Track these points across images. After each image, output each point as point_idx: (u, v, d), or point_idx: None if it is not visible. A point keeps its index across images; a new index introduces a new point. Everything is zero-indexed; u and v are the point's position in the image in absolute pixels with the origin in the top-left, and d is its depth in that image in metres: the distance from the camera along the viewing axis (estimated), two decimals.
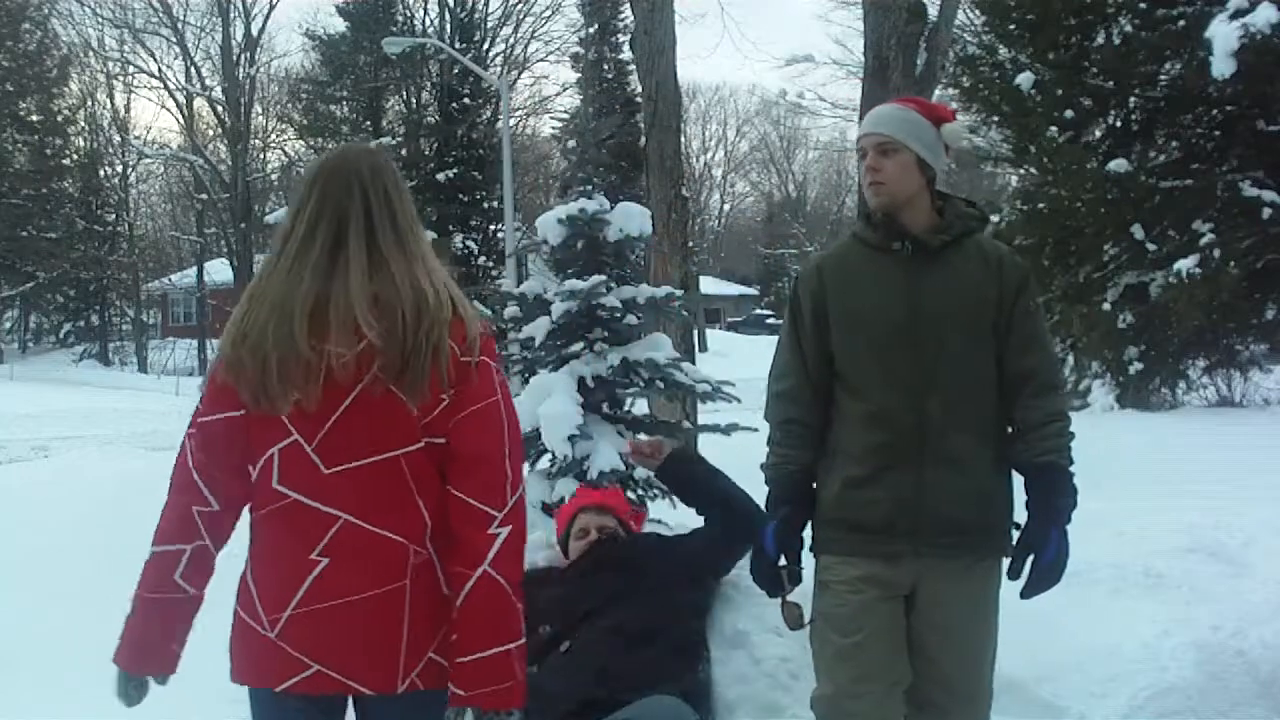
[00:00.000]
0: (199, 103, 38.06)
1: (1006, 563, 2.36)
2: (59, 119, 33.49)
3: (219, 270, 38.53)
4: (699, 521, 3.56)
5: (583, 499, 3.80)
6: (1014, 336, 2.35)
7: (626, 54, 29.42)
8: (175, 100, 38.08)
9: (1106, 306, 13.60)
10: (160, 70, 37.25)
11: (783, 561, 2.44)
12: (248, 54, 36.20)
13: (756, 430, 5.87)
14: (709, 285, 51.23)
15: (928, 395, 2.32)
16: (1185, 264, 12.10)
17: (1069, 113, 13.96)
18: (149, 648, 1.98)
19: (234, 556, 2.11)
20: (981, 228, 2.44)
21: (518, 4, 34.86)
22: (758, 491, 2.77)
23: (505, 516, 1.78)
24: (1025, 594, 2.29)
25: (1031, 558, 2.27)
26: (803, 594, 2.49)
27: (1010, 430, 2.37)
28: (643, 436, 3.75)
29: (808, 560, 2.48)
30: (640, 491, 5.32)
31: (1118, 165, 13.33)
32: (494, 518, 1.78)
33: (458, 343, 1.80)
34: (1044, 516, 2.28)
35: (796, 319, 2.49)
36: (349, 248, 1.85)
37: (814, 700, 2.45)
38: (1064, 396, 2.43)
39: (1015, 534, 2.35)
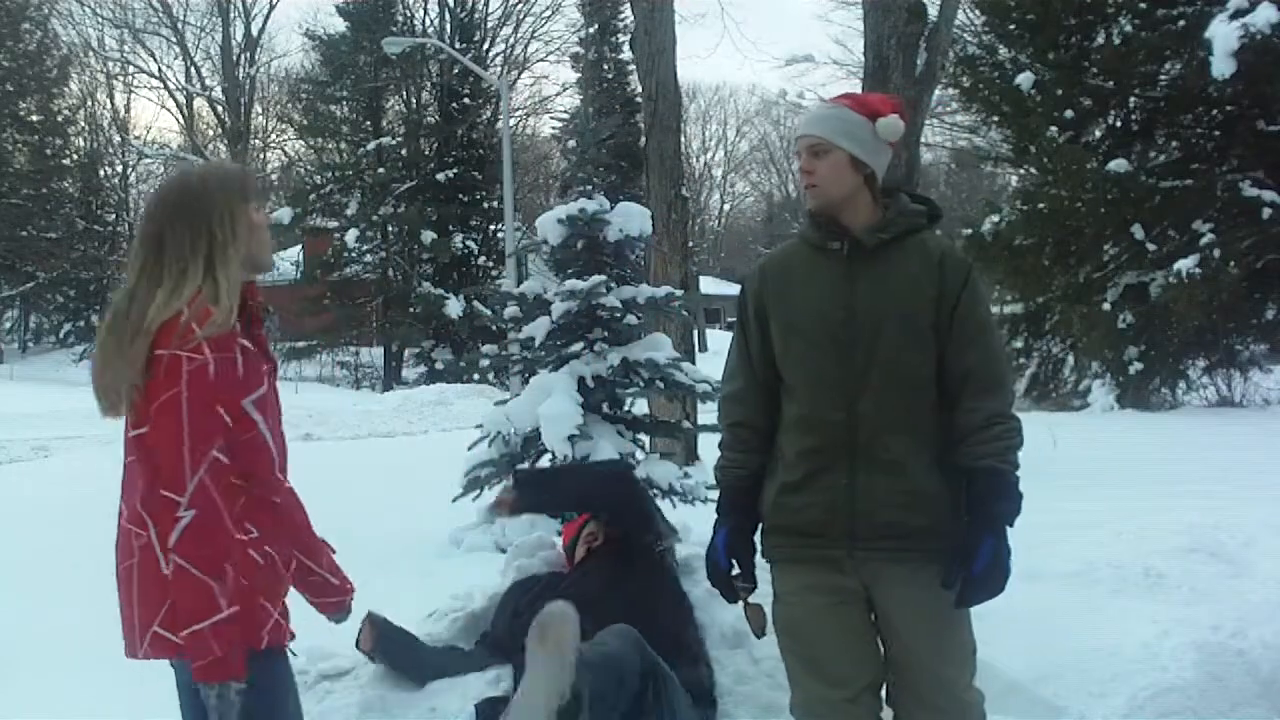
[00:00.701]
0: (199, 103, 38.15)
1: None
2: (59, 119, 33.48)
3: None
4: (700, 522, 3.57)
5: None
6: (954, 336, 2.27)
7: (626, 54, 29.43)
8: (175, 100, 38.19)
9: (1106, 306, 13.60)
10: (160, 70, 37.35)
11: (735, 570, 2.40)
12: (248, 54, 36.25)
13: None
14: (709, 285, 51.18)
15: (859, 397, 2.26)
16: (1185, 264, 12.10)
17: (1069, 113, 13.95)
18: None
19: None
20: (930, 225, 2.38)
21: (518, 4, 34.93)
22: None
23: (188, 501, 1.90)
24: (958, 604, 2.23)
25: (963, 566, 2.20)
26: (764, 596, 2.47)
27: (954, 433, 2.29)
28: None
29: (762, 565, 2.45)
30: None
31: (1118, 165, 13.32)
32: (177, 503, 1.90)
33: (163, 341, 1.93)
34: (979, 523, 2.21)
35: (743, 320, 2.47)
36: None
37: (791, 708, 2.42)
38: (1008, 396, 2.32)
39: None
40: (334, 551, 2.34)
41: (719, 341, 40.88)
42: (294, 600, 2.15)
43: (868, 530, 2.26)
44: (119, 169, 38.25)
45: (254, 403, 2.04)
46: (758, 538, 2.44)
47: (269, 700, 2.02)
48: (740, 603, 2.43)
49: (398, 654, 3.36)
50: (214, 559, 1.90)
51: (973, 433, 2.24)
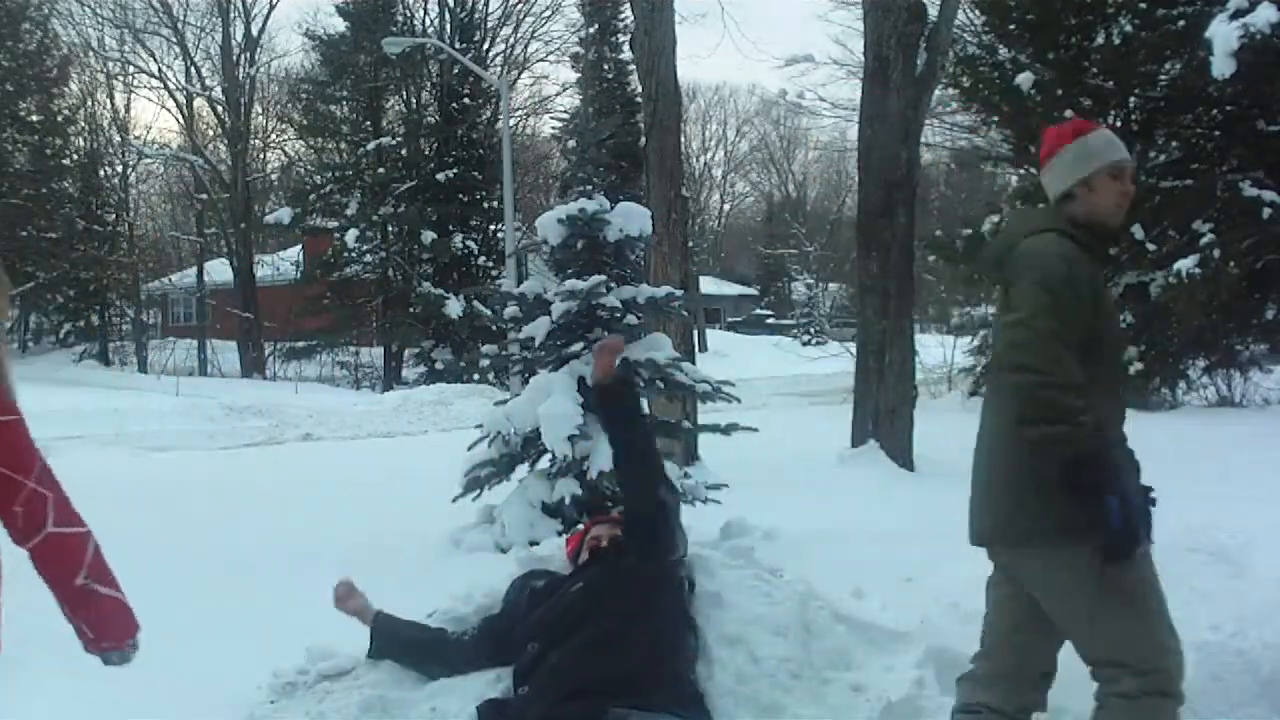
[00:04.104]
0: (199, 103, 38.03)
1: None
2: (59, 119, 33.39)
3: (219, 270, 38.48)
4: (699, 521, 3.56)
5: (600, 517, 3.84)
6: None
7: (626, 54, 29.44)
8: (175, 100, 38.01)
9: None
10: (160, 70, 37.18)
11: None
12: (248, 54, 36.14)
13: (756, 430, 5.91)
14: (709, 285, 51.21)
15: None
16: (1185, 264, 12.10)
17: (1069, 113, 13.95)
18: None
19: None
20: None
21: (518, 4, 34.86)
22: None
23: None
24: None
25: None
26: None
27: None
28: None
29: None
30: None
31: None
32: None
33: None
34: None
35: (1072, 302, 2.49)
36: None
37: (1163, 655, 2.60)
38: None
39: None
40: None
41: (719, 341, 40.90)
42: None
43: None
44: (119, 169, 38.18)
45: None
46: None
47: None
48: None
49: (389, 636, 3.41)
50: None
51: None
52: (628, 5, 13.80)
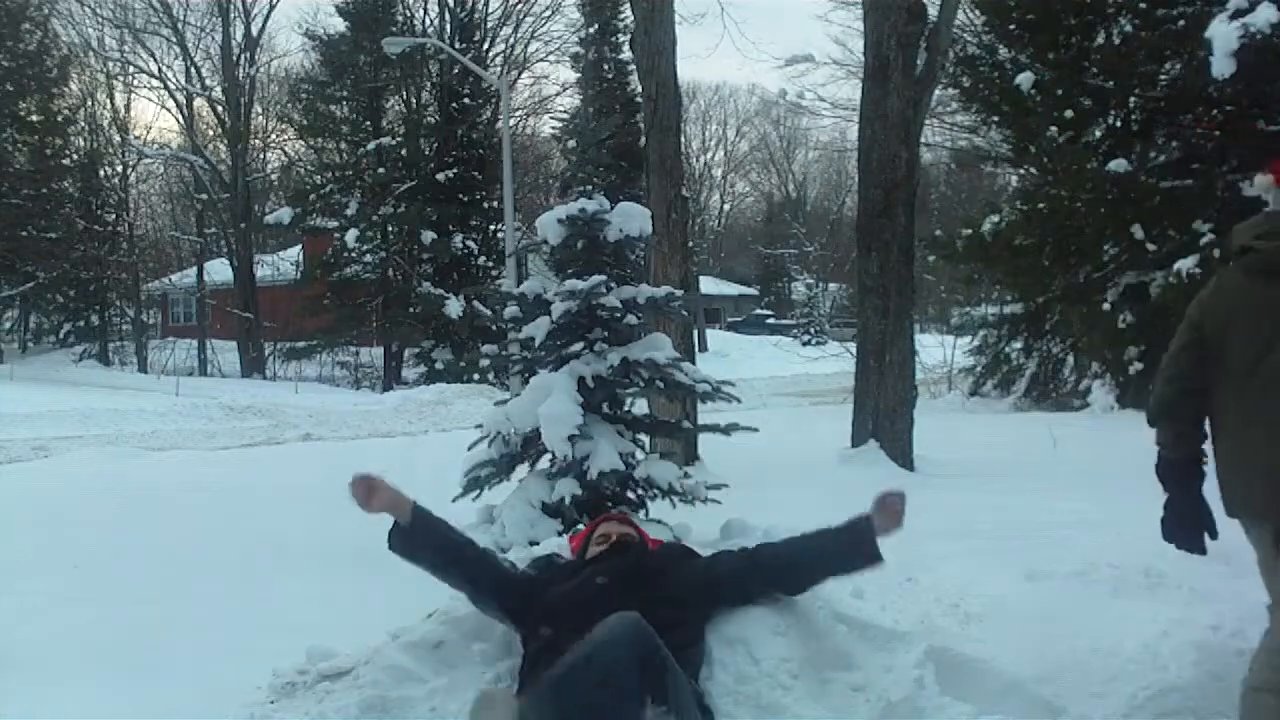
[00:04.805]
0: (199, 103, 38.03)
1: None
2: (59, 119, 33.38)
3: (219, 270, 38.49)
4: (699, 522, 3.56)
5: (607, 516, 3.84)
6: None
7: (626, 54, 29.42)
8: (175, 100, 38.01)
9: (1106, 306, 13.60)
10: (160, 70, 37.18)
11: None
12: (248, 54, 36.14)
13: (756, 430, 5.91)
14: (709, 285, 51.20)
15: None
16: (1185, 264, 12.11)
17: (1069, 113, 13.96)
18: None
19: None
20: None
21: (518, 4, 34.86)
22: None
23: None
24: None
25: None
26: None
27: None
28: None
29: None
30: (640, 491, 5.32)
31: (1118, 165, 13.33)
32: None
33: None
34: None
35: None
36: None
37: None
38: None
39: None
40: None
41: (719, 341, 40.89)
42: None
43: None
44: (119, 169, 38.18)
45: None
46: None
47: None
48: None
49: (425, 530, 3.37)
50: None
51: None
52: (628, 5, 13.80)
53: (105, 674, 3.71)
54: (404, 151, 31.85)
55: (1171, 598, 3.77)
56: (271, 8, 41.17)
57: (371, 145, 31.20)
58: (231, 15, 35.37)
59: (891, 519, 3.19)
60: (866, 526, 3.20)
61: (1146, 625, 3.52)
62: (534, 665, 3.06)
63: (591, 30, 36.59)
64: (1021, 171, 17.40)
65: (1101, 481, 6.95)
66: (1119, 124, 14.53)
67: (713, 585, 3.30)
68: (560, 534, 4.89)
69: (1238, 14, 11.40)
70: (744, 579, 3.32)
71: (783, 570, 3.30)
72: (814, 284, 49.62)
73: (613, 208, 5.62)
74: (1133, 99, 14.25)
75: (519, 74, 36.26)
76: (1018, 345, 16.41)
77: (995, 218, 15.22)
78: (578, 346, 5.45)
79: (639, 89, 12.56)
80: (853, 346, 10.19)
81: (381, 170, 30.90)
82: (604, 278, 5.27)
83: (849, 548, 3.24)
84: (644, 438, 6.00)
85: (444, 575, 3.37)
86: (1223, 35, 11.33)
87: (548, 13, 35.63)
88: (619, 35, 35.46)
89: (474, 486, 5.57)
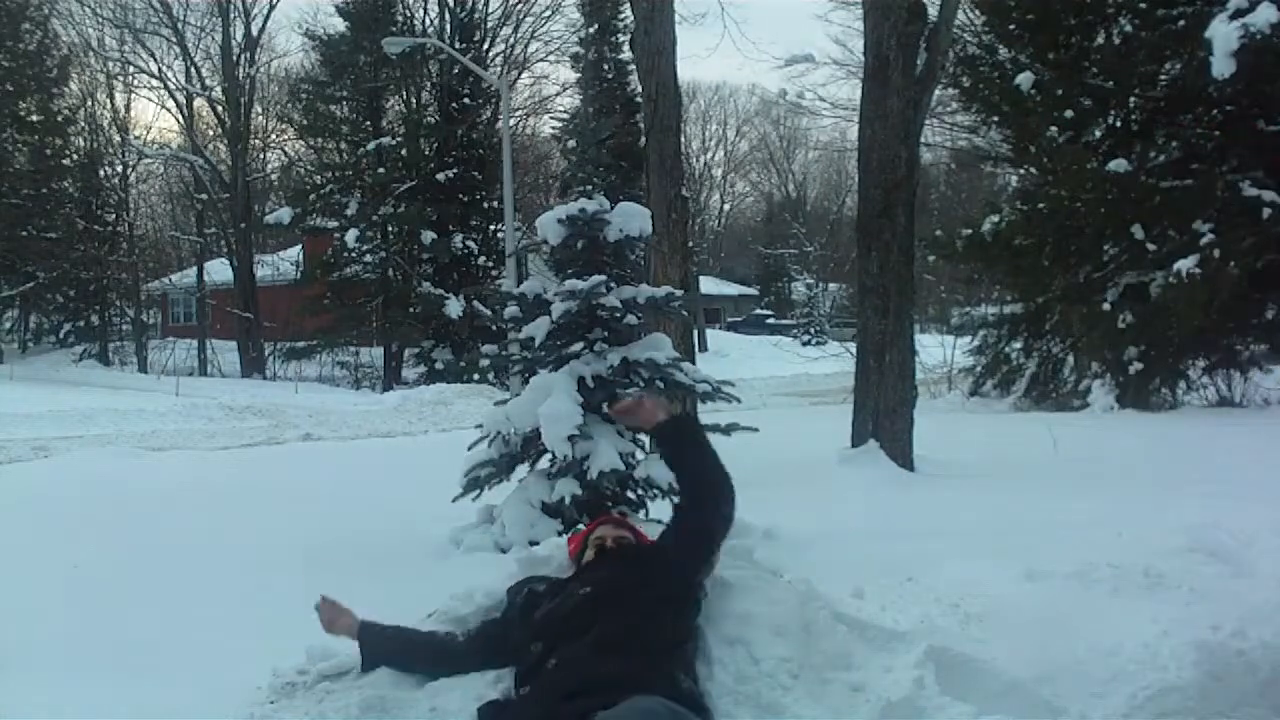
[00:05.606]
0: (199, 103, 38.04)
1: None
2: (59, 119, 33.40)
3: (219, 270, 38.50)
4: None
5: (604, 518, 3.83)
6: None
7: (626, 54, 29.43)
8: (175, 100, 38.02)
9: (1106, 306, 13.60)
10: (160, 70, 37.19)
11: None
12: (248, 54, 36.14)
13: (756, 430, 5.90)
14: (709, 285, 51.25)
15: None
16: (1185, 264, 12.11)
17: (1069, 113, 13.96)
18: None
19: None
20: None
21: (518, 4, 34.87)
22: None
23: None
24: None
25: None
26: None
27: None
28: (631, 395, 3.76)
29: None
30: (640, 491, 5.32)
31: (1118, 165, 13.32)
32: None
33: None
34: None
35: None
36: None
37: None
38: None
39: None
40: None
41: (719, 341, 40.93)
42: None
43: None
44: (119, 169, 38.21)
45: None
46: None
47: None
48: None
49: (376, 645, 3.40)
50: None
51: None
52: (628, 5, 13.80)
53: (105, 674, 3.71)
54: (404, 151, 31.86)
55: (1171, 598, 3.77)
56: (271, 8, 41.13)
57: (371, 145, 31.20)
58: (231, 15, 35.41)
59: (638, 411, 3.57)
60: (656, 433, 3.58)
61: (1146, 625, 3.52)
62: (526, 677, 3.07)
63: (591, 30, 36.62)
64: (1021, 171, 17.39)
65: (1101, 481, 6.95)
66: (1119, 124, 14.52)
67: (673, 553, 3.34)
68: (560, 534, 4.88)
69: (1238, 14, 11.40)
70: (678, 527, 3.45)
71: (683, 498, 3.53)
72: (814, 284, 49.65)
73: (613, 208, 5.61)
74: (1133, 99, 14.24)
75: (519, 74, 36.31)
76: (1018, 345, 16.40)
77: (995, 218, 15.22)
78: (578, 346, 5.44)
79: (639, 89, 12.56)
80: (852, 346, 10.18)
81: (381, 170, 30.91)
82: (604, 278, 5.27)
83: (669, 451, 3.61)
84: (644, 438, 6.00)
85: (424, 671, 3.36)
86: (1223, 35, 11.33)
87: (548, 13, 35.69)
88: (619, 35, 35.49)
89: (474, 486, 5.57)
